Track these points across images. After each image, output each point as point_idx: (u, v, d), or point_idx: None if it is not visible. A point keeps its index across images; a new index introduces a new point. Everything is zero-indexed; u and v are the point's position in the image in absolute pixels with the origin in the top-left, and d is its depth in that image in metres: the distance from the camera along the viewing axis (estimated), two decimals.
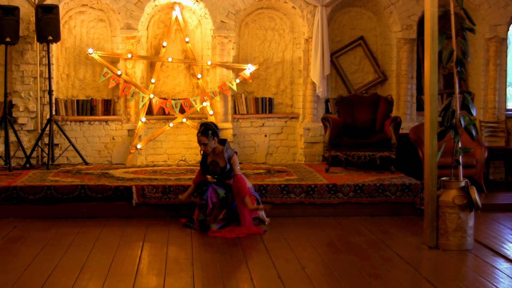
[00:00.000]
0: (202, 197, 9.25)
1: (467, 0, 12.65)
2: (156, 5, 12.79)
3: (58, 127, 12.20)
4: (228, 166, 9.28)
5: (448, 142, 8.59)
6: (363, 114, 12.14)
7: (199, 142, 9.33)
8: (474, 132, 8.35)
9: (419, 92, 13.13)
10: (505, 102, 13.13)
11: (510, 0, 12.79)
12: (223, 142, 9.41)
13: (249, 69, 12.85)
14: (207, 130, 9.27)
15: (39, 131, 12.32)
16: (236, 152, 9.44)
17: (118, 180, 10.60)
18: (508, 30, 12.99)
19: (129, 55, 12.55)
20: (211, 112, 12.79)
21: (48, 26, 11.76)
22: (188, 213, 9.72)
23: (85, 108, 12.78)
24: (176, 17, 12.90)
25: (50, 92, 12.10)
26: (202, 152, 9.47)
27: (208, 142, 9.25)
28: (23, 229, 9.31)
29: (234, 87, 12.77)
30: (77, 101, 12.79)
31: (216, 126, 9.40)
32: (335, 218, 10.05)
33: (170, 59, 12.88)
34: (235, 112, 13.06)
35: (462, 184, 8.30)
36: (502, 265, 7.70)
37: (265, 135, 13.22)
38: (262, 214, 9.40)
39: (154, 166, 12.31)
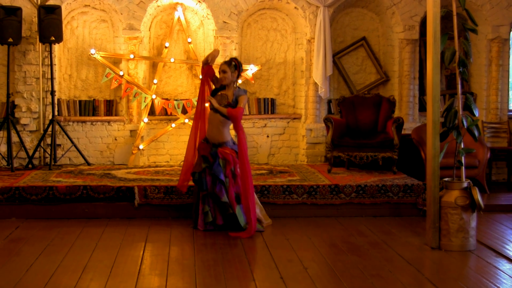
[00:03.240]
0: (203, 188, 9.23)
1: (470, 1, 12.66)
2: (158, 6, 12.80)
3: (60, 127, 12.20)
4: (233, 102, 9.29)
5: (450, 143, 8.60)
6: (366, 114, 12.14)
7: (220, 69, 9.42)
8: (476, 133, 8.36)
9: (421, 93, 13.12)
10: (507, 102, 13.13)
11: None
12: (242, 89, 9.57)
13: (251, 69, 12.85)
14: (230, 61, 9.42)
15: (42, 131, 12.33)
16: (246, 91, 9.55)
17: (120, 180, 10.60)
18: (510, 30, 12.97)
19: (132, 56, 12.56)
20: None
21: (50, 26, 11.77)
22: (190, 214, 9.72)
23: (87, 108, 12.79)
24: (179, 18, 12.91)
25: (52, 92, 12.11)
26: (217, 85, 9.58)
27: (228, 70, 9.32)
28: (25, 229, 9.31)
29: None
30: (80, 101, 12.80)
31: (241, 65, 9.52)
32: (337, 219, 10.05)
33: (172, 60, 12.89)
34: None
35: (465, 185, 8.30)
36: (505, 266, 7.70)
37: (267, 136, 13.21)
38: (258, 213, 9.40)
39: (156, 166, 12.31)
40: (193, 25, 13.16)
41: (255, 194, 9.54)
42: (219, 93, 9.37)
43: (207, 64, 9.49)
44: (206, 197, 9.23)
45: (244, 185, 9.06)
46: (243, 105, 9.22)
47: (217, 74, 9.60)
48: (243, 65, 12.81)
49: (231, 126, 9.33)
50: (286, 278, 7.09)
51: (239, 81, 12.71)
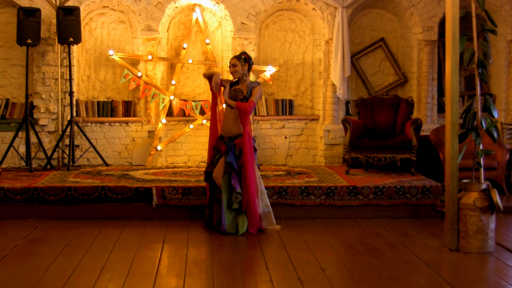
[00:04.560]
0: (215, 190, 9.29)
1: (489, 2, 12.59)
2: (176, 7, 12.81)
3: (78, 128, 12.24)
4: (248, 95, 9.30)
5: (469, 144, 8.55)
6: (384, 116, 12.11)
7: (230, 63, 9.45)
8: (495, 134, 8.31)
9: (440, 94, 13.07)
10: None
11: None
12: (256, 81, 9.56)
13: (269, 70, 12.83)
14: (240, 55, 9.44)
15: (60, 132, 12.37)
16: (260, 83, 9.52)
17: (138, 181, 10.62)
18: None
19: (150, 57, 12.58)
20: None
21: (69, 27, 11.80)
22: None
23: (105, 109, 12.82)
24: (197, 19, 12.92)
25: (71, 93, 12.15)
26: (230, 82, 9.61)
27: (238, 64, 9.34)
28: (43, 229, 9.35)
29: None
30: (98, 102, 12.84)
31: (251, 58, 9.50)
32: (355, 220, 10.03)
33: (190, 61, 12.90)
34: (255, 114, 13.04)
35: (483, 186, 8.26)
36: None
37: (285, 137, 13.20)
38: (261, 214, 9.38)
39: (174, 167, 12.32)
40: (211, 26, 13.17)
41: (266, 196, 9.52)
42: (233, 88, 9.38)
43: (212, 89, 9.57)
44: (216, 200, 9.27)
45: (245, 182, 9.08)
46: (255, 99, 9.21)
47: (224, 77, 9.60)
48: (261, 66, 12.82)
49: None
50: (303, 280, 7.08)
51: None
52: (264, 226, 9.29)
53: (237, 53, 12.40)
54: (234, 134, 9.25)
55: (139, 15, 12.53)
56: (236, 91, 9.33)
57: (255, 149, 9.35)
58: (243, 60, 9.36)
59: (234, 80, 9.49)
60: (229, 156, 9.14)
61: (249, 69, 9.48)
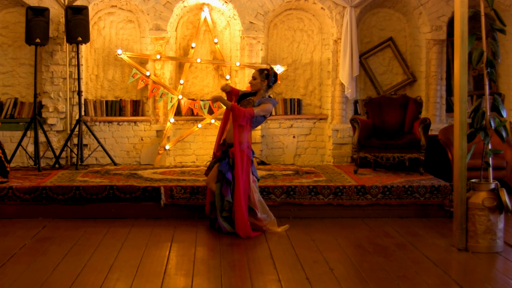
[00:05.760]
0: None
1: (498, 1, 12.57)
2: (185, 6, 12.82)
3: (87, 127, 12.26)
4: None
5: (477, 144, 8.54)
6: (392, 115, 12.09)
7: (252, 74, 9.43)
8: (504, 134, 8.29)
9: (448, 94, 13.05)
10: None
11: None
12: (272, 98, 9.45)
13: (277, 70, 12.83)
14: (263, 70, 9.36)
15: (68, 131, 12.39)
16: (275, 103, 9.42)
17: (146, 180, 10.63)
18: None
19: (158, 56, 12.59)
20: None
21: (77, 27, 11.82)
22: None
23: (114, 108, 12.84)
24: (205, 18, 12.92)
25: (79, 92, 12.17)
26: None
27: (257, 78, 9.28)
28: (52, 229, 9.36)
29: None
30: (106, 101, 12.86)
31: (275, 76, 9.40)
32: (363, 220, 10.01)
33: (198, 60, 12.90)
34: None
35: (492, 186, 8.23)
36: None
37: (294, 136, 13.19)
38: (265, 217, 9.31)
39: (183, 167, 12.33)
40: (220, 25, 13.17)
41: (257, 198, 9.41)
42: (247, 99, 9.34)
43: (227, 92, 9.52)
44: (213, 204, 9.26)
45: (235, 188, 9.01)
46: (257, 110, 9.03)
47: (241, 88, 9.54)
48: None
49: (256, 131, 9.26)
50: (311, 279, 7.07)
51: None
52: (269, 227, 9.26)
53: (246, 53, 12.50)
54: (233, 142, 9.17)
55: (148, 14, 12.54)
56: (248, 101, 9.27)
57: (252, 162, 9.24)
58: (264, 75, 9.25)
59: (252, 91, 9.45)
60: (222, 164, 9.10)
61: (269, 86, 9.35)
